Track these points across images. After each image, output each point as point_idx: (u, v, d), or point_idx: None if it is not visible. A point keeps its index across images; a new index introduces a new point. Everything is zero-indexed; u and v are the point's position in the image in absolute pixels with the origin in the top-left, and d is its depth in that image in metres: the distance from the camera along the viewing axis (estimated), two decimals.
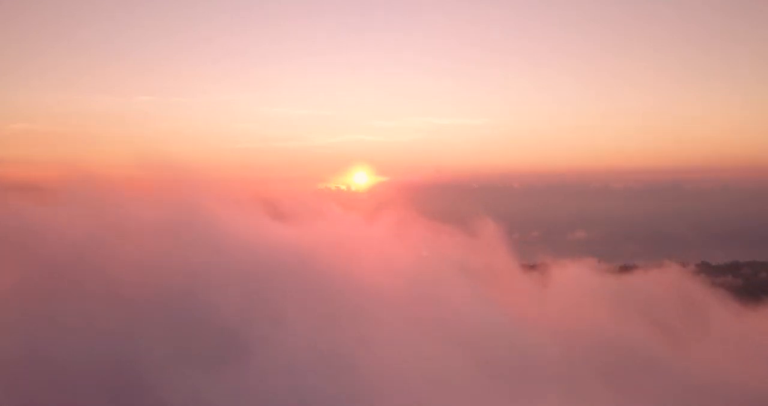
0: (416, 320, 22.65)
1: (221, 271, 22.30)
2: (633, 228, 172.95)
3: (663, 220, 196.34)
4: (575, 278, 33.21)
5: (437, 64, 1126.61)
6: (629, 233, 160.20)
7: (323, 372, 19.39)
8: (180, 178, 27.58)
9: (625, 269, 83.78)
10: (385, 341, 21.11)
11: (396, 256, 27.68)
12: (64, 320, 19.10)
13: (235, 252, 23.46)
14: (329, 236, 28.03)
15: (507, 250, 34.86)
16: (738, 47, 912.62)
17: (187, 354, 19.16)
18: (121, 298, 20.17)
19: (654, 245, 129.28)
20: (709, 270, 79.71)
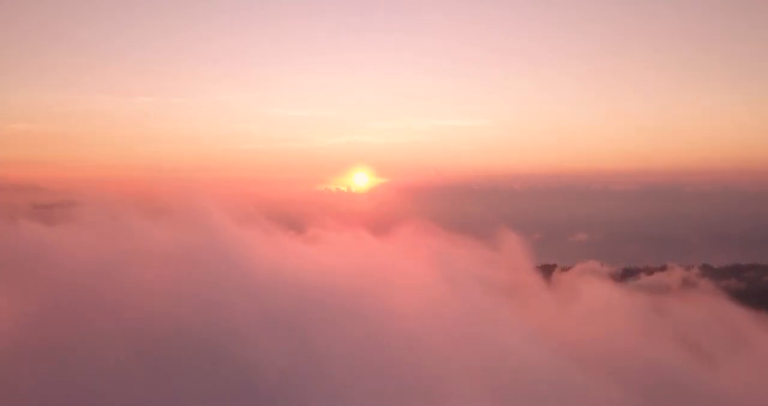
0: (468, 368, 19.51)
1: (254, 307, 18.90)
2: (634, 230, 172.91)
3: (664, 222, 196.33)
4: (600, 294, 32.13)
5: (437, 64, 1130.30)
6: (630, 235, 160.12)
7: None
8: (181, 180, 26.48)
9: (628, 271, 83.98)
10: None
11: (430, 282, 25.04)
12: (76, 359, 16.33)
13: (266, 284, 20.46)
14: (358, 260, 25.89)
15: (528, 263, 33.92)
16: (738, 47, 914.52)
17: None
18: (139, 339, 17.19)
19: (655, 248, 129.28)
20: (711, 273, 79.64)
